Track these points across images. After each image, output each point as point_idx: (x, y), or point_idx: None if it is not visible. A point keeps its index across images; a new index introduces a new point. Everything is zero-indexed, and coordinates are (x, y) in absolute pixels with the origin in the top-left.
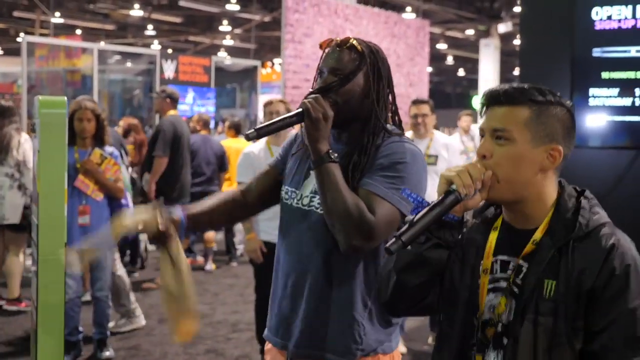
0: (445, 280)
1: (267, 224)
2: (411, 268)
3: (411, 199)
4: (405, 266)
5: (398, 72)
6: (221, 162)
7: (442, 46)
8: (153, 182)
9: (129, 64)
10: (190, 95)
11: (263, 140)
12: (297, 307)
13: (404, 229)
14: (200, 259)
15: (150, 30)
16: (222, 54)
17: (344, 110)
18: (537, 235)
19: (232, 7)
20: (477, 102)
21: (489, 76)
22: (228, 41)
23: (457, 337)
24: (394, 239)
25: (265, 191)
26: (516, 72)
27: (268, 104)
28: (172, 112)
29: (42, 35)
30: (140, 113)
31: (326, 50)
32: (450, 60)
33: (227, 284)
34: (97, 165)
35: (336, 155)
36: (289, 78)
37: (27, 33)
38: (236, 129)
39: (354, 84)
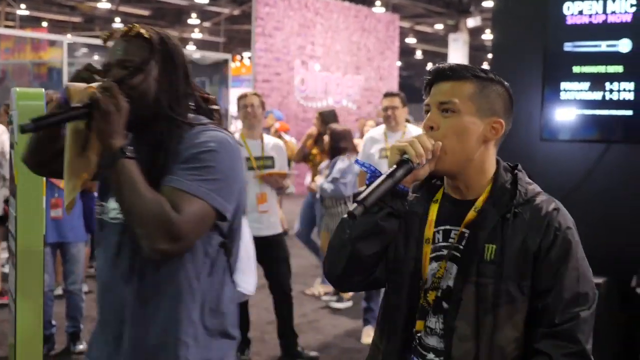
0: (389, 252)
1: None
2: (366, 237)
3: (365, 168)
4: (361, 234)
5: (368, 65)
6: None
7: (411, 40)
8: None
9: (96, 57)
10: None
11: (238, 133)
12: (108, 339)
13: (365, 194)
14: None
15: (118, 23)
16: (190, 47)
17: (139, 106)
18: (479, 203)
19: (201, 0)
20: None
21: None
22: (197, 34)
23: (404, 306)
24: (355, 204)
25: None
26: (485, 66)
27: (242, 97)
28: None
29: (7, 27)
30: None
31: (111, 43)
32: (419, 54)
33: None
34: None
35: (132, 150)
36: (259, 71)
37: None
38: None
39: (147, 76)
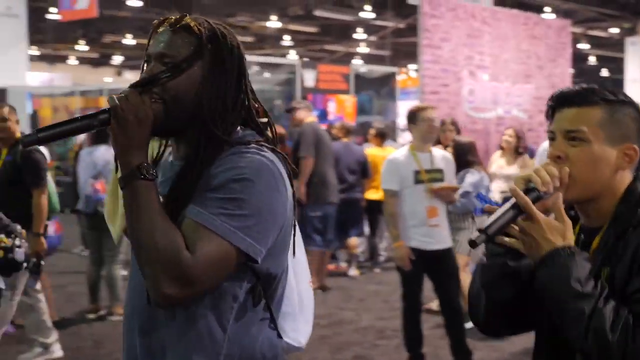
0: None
1: (415, 231)
2: (497, 281)
3: (486, 203)
4: (492, 279)
5: (539, 73)
6: (363, 169)
7: (584, 46)
8: (302, 184)
9: (267, 75)
10: (330, 103)
11: (407, 146)
12: None
13: (488, 222)
14: (343, 265)
15: (287, 41)
16: (357, 61)
17: (174, 111)
18: (604, 229)
19: (367, 14)
20: None
21: (635, 75)
22: (363, 49)
23: (557, 341)
24: (478, 233)
25: None
26: None
27: (422, 110)
28: (310, 119)
29: None
30: (282, 123)
31: (157, 32)
32: (592, 60)
33: (371, 290)
34: None
35: (153, 172)
36: (427, 83)
37: None
38: (382, 137)
39: (188, 77)
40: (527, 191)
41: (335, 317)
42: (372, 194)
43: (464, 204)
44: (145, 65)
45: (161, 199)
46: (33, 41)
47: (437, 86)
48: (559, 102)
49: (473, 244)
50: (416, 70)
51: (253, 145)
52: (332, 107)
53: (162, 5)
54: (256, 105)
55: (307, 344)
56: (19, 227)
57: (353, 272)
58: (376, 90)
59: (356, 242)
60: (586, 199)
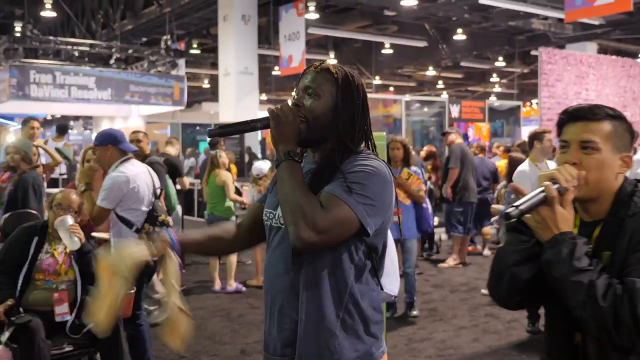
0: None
1: None
2: (523, 262)
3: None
4: (517, 261)
5: (634, 103)
6: (494, 176)
7: None
8: (449, 187)
9: (425, 109)
10: (470, 129)
11: (527, 160)
12: (274, 324)
13: (521, 201)
14: (479, 247)
15: (440, 85)
16: (492, 98)
17: (314, 127)
18: (605, 221)
19: (500, 64)
20: None
21: None
22: (497, 89)
23: (563, 317)
24: (512, 207)
25: (254, 224)
26: None
27: (545, 132)
28: (459, 141)
29: (367, 92)
30: (435, 144)
31: (305, 74)
32: None
33: None
34: (405, 179)
35: (299, 156)
36: (544, 113)
37: None
38: (507, 151)
39: (323, 103)
40: (553, 184)
41: (472, 284)
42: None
43: None
44: (297, 93)
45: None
46: (262, 90)
47: (552, 115)
48: (572, 117)
49: (507, 216)
50: (537, 104)
51: (371, 154)
52: (471, 132)
53: (350, 62)
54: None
55: (451, 304)
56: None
57: (486, 252)
58: (506, 118)
59: (489, 230)
60: (591, 198)
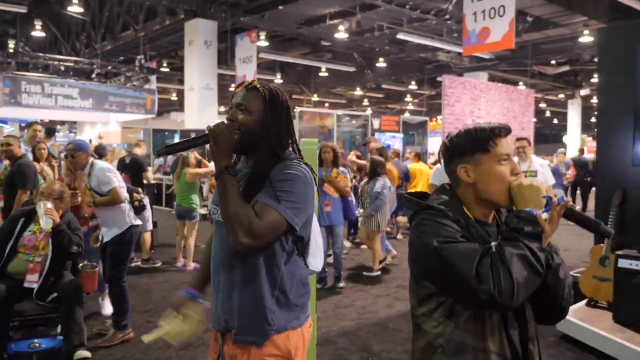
0: None
1: None
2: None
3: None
4: None
5: (514, 121)
6: (407, 176)
7: (543, 105)
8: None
9: (353, 122)
10: (387, 139)
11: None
12: (218, 302)
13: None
14: (394, 232)
15: (365, 102)
16: (406, 114)
17: (246, 137)
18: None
19: (412, 87)
20: (566, 139)
21: (574, 122)
22: (410, 107)
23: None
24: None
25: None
26: (593, 119)
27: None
28: (378, 146)
29: (306, 106)
30: (360, 149)
31: (237, 90)
32: (548, 113)
33: None
34: (334, 177)
35: (235, 170)
36: (446, 126)
37: (299, 106)
38: (418, 157)
39: (254, 117)
40: (547, 203)
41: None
42: (411, 189)
43: (380, 200)
44: (230, 110)
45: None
46: (220, 103)
47: (452, 128)
48: (506, 132)
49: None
50: (441, 119)
51: (295, 160)
52: (390, 142)
53: (293, 82)
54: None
55: (370, 278)
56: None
57: (399, 236)
58: (416, 130)
59: (402, 219)
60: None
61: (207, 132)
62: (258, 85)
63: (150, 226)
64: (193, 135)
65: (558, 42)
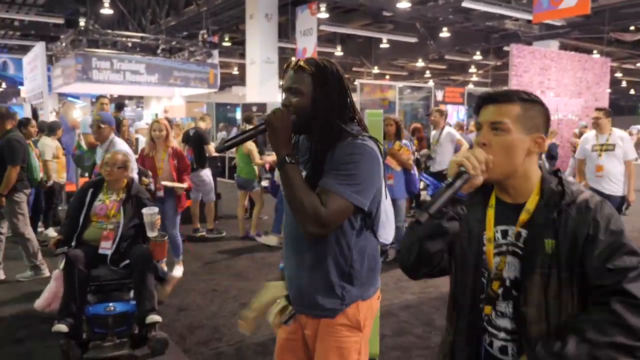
0: (456, 249)
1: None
2: (432, 237)
3: (428, 182)
4: (428, 236)
5: (588, 92)
6: (472, 148)
7: (619, 74)
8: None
9: (415, 94)
10: (452, 111)
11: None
12: (293, 279)
13: (429, 203)
14: None
15: (427, 74)
16: (470, 86)
17: (302, 118)
18: (529, 206)
19: (477, 57)
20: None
21: None
22: (474, 78)
23: (469, 293)
24: (421, 211)
25: None
26: None
27: None
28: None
29: (367, 79)
30: (422, 122)
31: (286, 73)
32: (624, 83)
33: None
34: (397, 150)
35: (296, 157)
36: None
37: (359, 79)
38: (479, 128)
39: (306, 98)
40: (460, 174)
41: None
42: None
43: None
44: (284, 94)
45: (304, 173)
46: (281, 77)
47: None
48: (485, 100)
49: (419, 221)
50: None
51: (359, 136)
52: (455, 114)
53: (353, 54)
54: (357, 110)
55: None
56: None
57: None
58: None
59: None
60: (505, 177)
61: (263, 121)
62: (303, 64)
63: (213, 197)
64: (254, 109)
65: (638, 6)
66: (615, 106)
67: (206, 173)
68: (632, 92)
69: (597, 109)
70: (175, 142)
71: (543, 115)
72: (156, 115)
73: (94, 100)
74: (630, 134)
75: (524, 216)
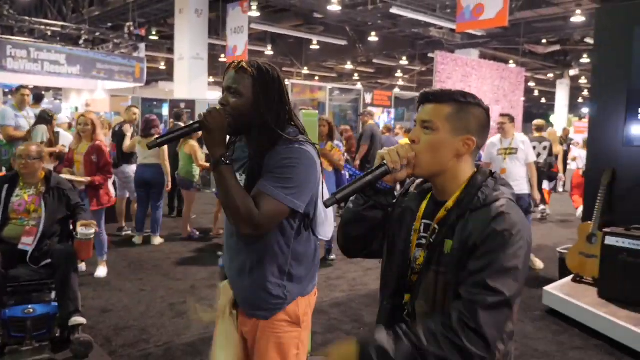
0: (388, 234)
1: None
2: (352, 223)
3: (351, 172)
4: (347, 221)
5: (505, 99)
6: None
7: (532, 84)
8: (358, 160)
9: (344, 96)
10: (378, 114)
11: None
12: (235, 281)
13: (339, 189)
14: None
15: (356, 77)
16: (396, 90)
17: (239, 120)
18: (449, 204)
19: (404, 62)
20: (553, 119)
21: (561, 103)
22: (400, 82)
23: (394, 278)
24: (330, 196)
25: None
26: (580, 99)
27: None
28: (370, 122)
29: (297, 79)
30: (351, 123)
31: (227, 72)
32: (536, 92)
33: None
34: (329, 151)
35: (231, 159)
36: None
37: (289, 79)
38: (408, 132)
39: (245, 99)
40: (379, 166)
41: None
42: None
43: None
44: (222, 93)
45: (240, 175)
46: (210, 74)
47: None
48: (422, 99)
49: (325, 204)
50: None
51: (297, 141)
52: (382, 117)
53: (283, 54)
54: (295, 114)
55: None
56: None
57: None
58: (407, 106)
59: None
60: (431, 175)
61: (199, 120)
62: (246, 65)
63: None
64: (182, 105)
65: (550, 21)
66: (528, 113)
67: (132, 169)
68: (543, 100)
69: (502, 115)
70: (106, 138)
71: (477, 118)
72: (76, 108)
73: (7, 90)
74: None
75: (441, 213)
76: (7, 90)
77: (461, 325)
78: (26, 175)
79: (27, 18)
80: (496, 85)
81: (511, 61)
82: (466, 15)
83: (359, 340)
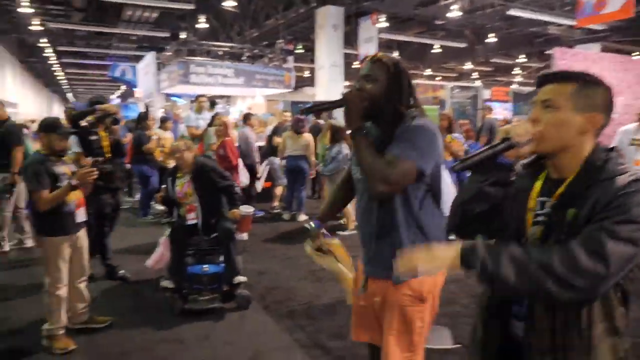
0: (503, 213)
1: None
2: (473, 200)
3: (476, 148)
4: (470, 199)
5: (628, 90)
6: None
7: None
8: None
9: (464, 93)
10: (497, 108)
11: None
12: (367, 244)
13: (467, 157)
14: None
15: (475, 75)
16: (514, 86)
17: (373, 104)
18: (570, 179)
19: (521, 60)
20: None
21: None
22: (518, 79)
23: None
24: (458, 162)
25: (349, 177)
26: None
27: None
28: (489, 116)
29: (420, 80)
30: (470, 118)
31: (364, 63)
32: None
33: None
34: (448, 142)
35: (365, 130)
36: None
37: (413, 80)
38: None
39: (379, 85)
40: (503, 139)
41: None
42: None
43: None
44: (359, 81)
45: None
46: (346, 79)
47: None
48: (542, 80)
49: (453, 169)
50: None
51: (418, 116)
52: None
53: (409, 59)
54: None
55: None
56: None
57: None
58: (525, 101)
59: None
60: (553, 152)
61: (341, 97)
62: (382, 57)
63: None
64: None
65: None
66: None
67: (277, 161)
68: None
69: None
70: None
71: (602, 95)
72: (241, 112)
73: (192, 99)
74: None
75: (561, 189)
76: (192, 99)
77: (580, 247)
78: (181, 165)
79: (204, 42)
80: (619, 77)
81: (636, 52)
82: (587, 10)
83: (464, 245)
